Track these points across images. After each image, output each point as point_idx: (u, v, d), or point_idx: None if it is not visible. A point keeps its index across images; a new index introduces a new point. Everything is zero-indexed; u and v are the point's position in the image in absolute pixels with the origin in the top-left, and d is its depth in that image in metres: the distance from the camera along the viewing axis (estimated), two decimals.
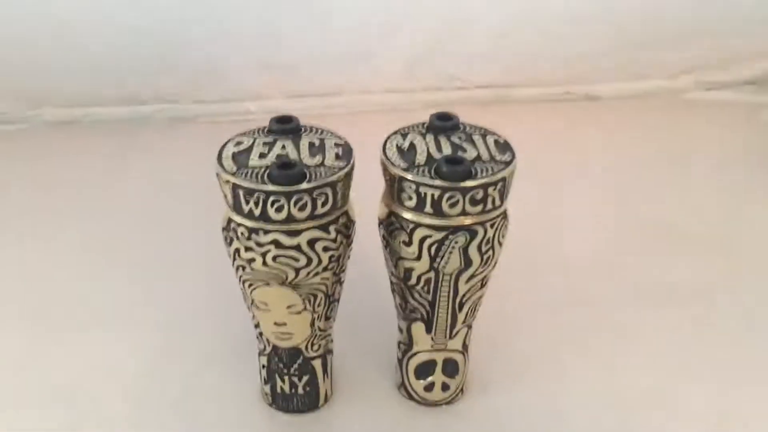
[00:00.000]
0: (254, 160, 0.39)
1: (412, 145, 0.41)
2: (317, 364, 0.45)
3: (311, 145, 0.41)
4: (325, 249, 0.39)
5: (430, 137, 0.42)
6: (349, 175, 0.39)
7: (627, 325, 0.55)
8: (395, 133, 0.42)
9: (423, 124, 0.43)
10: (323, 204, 0.38)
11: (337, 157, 0.40)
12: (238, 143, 0.41)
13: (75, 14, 0.76)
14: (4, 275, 0.59)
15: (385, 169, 0.40)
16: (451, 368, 0.46)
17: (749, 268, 0.61)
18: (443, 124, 0.42)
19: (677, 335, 0.54)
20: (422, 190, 0.38)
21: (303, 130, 0.42)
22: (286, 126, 0.41)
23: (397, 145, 0.41)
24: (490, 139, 0.41)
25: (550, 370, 0.51)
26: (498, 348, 0.53)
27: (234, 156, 0.39)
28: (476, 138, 0.41)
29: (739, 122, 0.86)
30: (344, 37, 0.81)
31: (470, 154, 0.40)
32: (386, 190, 0.41)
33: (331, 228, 0.39)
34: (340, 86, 0.82)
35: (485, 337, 0.52)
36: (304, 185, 0.37)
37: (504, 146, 0.41)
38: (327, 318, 0.44)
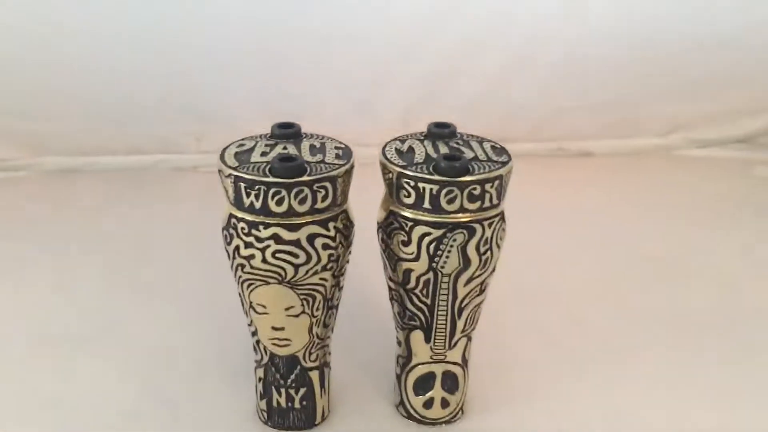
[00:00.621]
0: (256, 158, 0.40)
1: (410, 148, 0.42)
2: (315, 376, 0.45)
3: (312, 147, 0.42)
4: (325, 246, 0.40)
5: (428, 142, 0.43)
6: (349, 173, 0.40)
7: (623, 348, 0.55)
8: (394, 139, 0.43)
9: (421, 132, 0.44)
10: (323, 198, 0.39)
11: (338, 156, 0.41)
12: (241, 145, 0.42)
13: (78, 62, 0.79)
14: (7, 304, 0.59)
15: (384, 169, 0.41)
16: (450, 383, 0.46)
17: (742, 298, 0.62)
18: (441, 131, 0.43)
19: (672, 356, 0.54)
20: (420, 185, 0.39)
21: (304, 135, 0.43)
22: (287, 131, 0.43)
23: (396, 148, 0.42)
24: (487, 145, 0.43)
25: (550, 393, 0.50)
26: (498, 372, 0.52)
27: (236, 154, 0.40)
28: (473, 143, 0.43)
29: (731, 177, 0.88)
30: (343, 89, 0.84)
31: (468, 154, 0.41)
32: (385, 194, 0.42)
33: (331, 225, 0.40)
34: (340, 137, 0.84)
35: (485, 361, 0.52)
36: (305, 177, 0.38)
37: (500, 150, 0.42)
38: (325, 325, 0.43)
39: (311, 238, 0.39)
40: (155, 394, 0.49)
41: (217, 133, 0.82)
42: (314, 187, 0.38)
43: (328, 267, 0.41)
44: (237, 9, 0.78)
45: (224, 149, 0.41)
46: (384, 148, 0.42)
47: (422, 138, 0.43)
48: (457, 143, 0.42)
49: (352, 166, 0.40)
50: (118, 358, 0.53)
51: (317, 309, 0.42)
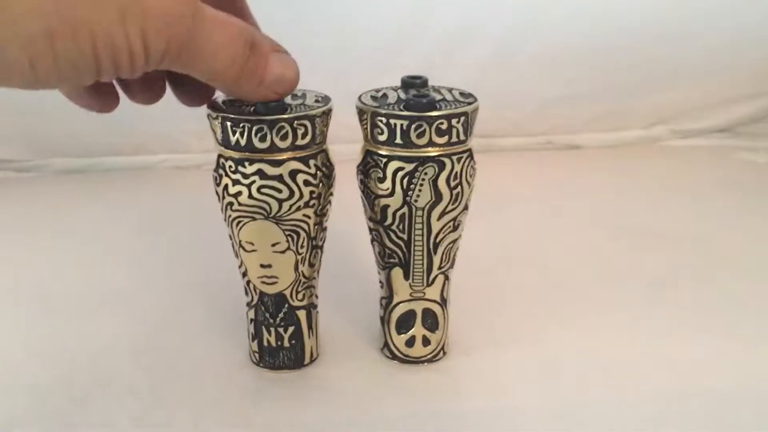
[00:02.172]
0: (242, 105, 0.43)
1: (384, 95, 0.46)
2: (302, 315, 0.48)
3: (294, 95, 0.45)
4: (306, 183, 0.43)
5: (401, 90, 0.46)
6: (327, 114, 0.44)
7: (603, 303, 0.58)
8: (370, 90, 0.47)
9: (395, 85, 0.48)
10: (303, 136, 0.42)
11: (317, 101, 0.44)
12: (228, 97, 0.45)
13: None
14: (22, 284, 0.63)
15: (360, 113, 0.44)
16: (430, 320, 0.48)
17: (719, 264, 0.64)
18: (413, 81, 0.47)
19: (648, 311, 0.57)
20: (392, 121, 0.42)
21: None
22: None
23: (371, 95, 0.46)
24: (455, 91, 0.46)
25: (530, 340, 0.53)
26: (481, 321, 0.55)
27: (224, 102, 0.44)
28: (443, 90, 0.46)
29: (713, 162, 0.91)
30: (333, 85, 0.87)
31: (436, 96, 0.44)
32: (363, 140, 0.46)
33: (311, 163, 0.43)
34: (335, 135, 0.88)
35: (469, 312, 0.55)
36: (285, 115, 0.41)
37: (467, 95, 0.45)
38: (311, 265, 0.46)
39: (293, 174, 0.42)
40: (157, 345, 0.52)
41: None
42: (294, 124, 0.42)
43: (310, 204, 0.44)
44: None
45: (213, 102, 0.44)
46: (360, 96, 0.46)
47: (396, 88, 0.47)
48: (428, 90, 0.46)
49: (330, 109, 0.44)
50: (121, 316, 0.56)
51: (302, 246, 0.45)
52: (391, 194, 0.44)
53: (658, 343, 0.52)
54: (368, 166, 0.45)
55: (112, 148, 0.89)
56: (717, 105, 0.96)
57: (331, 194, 0.46)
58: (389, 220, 0.45)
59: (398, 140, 0.43)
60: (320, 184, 0.44)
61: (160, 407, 0.46)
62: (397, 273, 0.47)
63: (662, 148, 0.96)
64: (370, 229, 0.48)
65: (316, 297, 0.49)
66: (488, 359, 0.51)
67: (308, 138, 0.42)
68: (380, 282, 0.49)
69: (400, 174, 0.43)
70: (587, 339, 0.53)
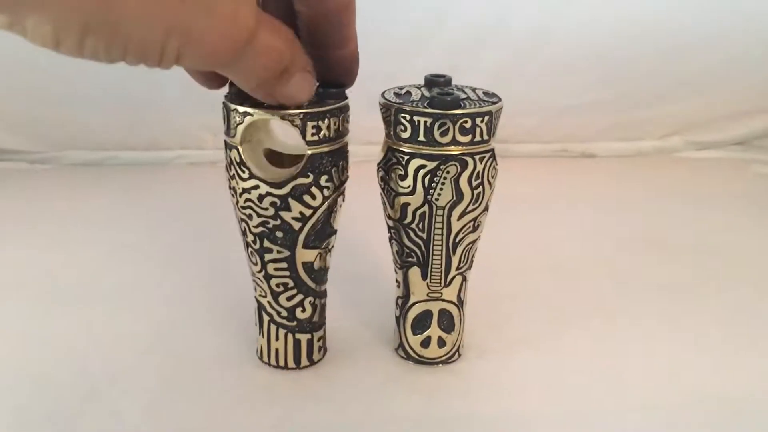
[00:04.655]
0: None
1: (408, 92, 0.45)
2: (258, 307, 0.47)
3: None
4: (232, 176, 0.43)
5: (424, 89, 0.46)
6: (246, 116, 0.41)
7: (614, 308, 0.58)
8: (393, 87, 0.47)
9: (418, 84, 0.47)
10: (228, 128, 0.42)
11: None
12: None
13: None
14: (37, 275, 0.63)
15: (383, 109, 0.44)
16: (447, 321, 0.48)
17: (732, 275, 0.64)
18: (437, 79, 0.46)
19: (658, 315, 0.57)
20: (416, 118, 0.42)
21: None
22: None
23: (394, 92, 0.45)
24: (479, 91, 0.46)
25: (543, 345, 0.52)
26: (495, 324, 0.54)
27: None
28: (467, 89, 0.46)
29: (728, 174, 0.91)
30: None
31: (460, 95, 0.44)
32: (385, 137, 0.45)
33: (231, 155, 0.43)
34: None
35: (484, 315, 0.54)
36: (231, 102, 0.42)
37: (491, 95, 0.45)
38: (252, 262, 0.45)
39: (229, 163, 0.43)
40: (165, 339, 0.52)
41: None
42: (224, 114, 0.42)
43: (236, 202, 0.44)
44: None
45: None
46: (384, 93, 0.45)
47: (419, 86, 0.47)
48: (452, 89, 0.46)
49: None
50: (133, 310, 0.56)
51: (245, 236, 0.45)
52: (412, 192, 0.44)
53: (670, 351, 0.52)
54: (390, 164, 0.44)
55: (126, 143, 0.88)
56: (733, 118, 0.96)
57: (251, 210, 0.43)
58: (409, 219, 0.45)
59: (421, 138, 0.42)
60: (232, 180, 0.43)
61: (171, 400, 0.45)
62: (415, 272, 0.46)
63: (677, 159, 0.96)
64: (389, 228, 0.47)
65: (272, 308, 0.46)
66: (502, 362, 0.50)
67: (228, 131, 0.43)
68: (397, 281, 0.49)
69: (421, 172, 0.43)
70: (600, 344, 0.52)
